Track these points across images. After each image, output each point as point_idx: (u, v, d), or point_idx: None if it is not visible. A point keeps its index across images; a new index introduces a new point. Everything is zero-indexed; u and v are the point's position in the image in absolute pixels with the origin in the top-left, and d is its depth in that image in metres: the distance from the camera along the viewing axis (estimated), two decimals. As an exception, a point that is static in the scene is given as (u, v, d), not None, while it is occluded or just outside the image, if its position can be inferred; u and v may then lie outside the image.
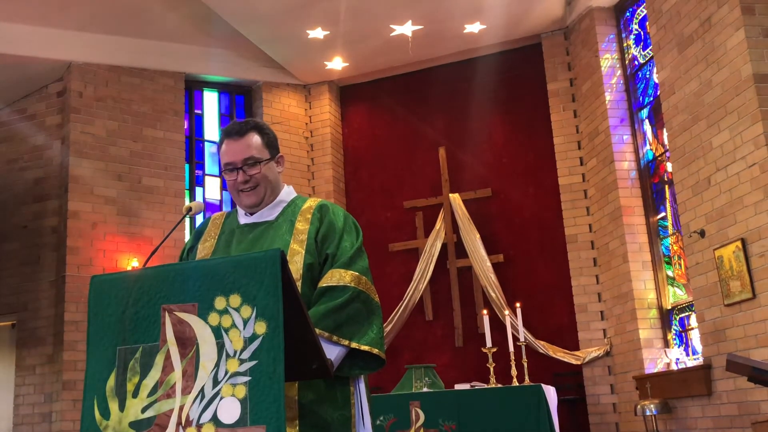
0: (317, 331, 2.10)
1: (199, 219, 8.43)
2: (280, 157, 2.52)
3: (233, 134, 2.43)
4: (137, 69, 8.21)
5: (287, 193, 2.53)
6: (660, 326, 6.93)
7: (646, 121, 7.36)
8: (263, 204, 2.47)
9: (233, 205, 9.63)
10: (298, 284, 2.23)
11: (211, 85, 8.95)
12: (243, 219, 2.50)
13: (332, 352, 2.14)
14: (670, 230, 6.94)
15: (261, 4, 7.35)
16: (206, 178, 8.72)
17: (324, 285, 2.24)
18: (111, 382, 1.88)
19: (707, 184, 5.85)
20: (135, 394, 1.84)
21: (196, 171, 8.64)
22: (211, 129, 8.93)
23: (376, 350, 2.20)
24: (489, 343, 6.41)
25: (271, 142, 2.49)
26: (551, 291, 7.88)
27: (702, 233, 5.88)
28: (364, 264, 2.33)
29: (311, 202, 2.47)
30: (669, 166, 6.77)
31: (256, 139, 2.44)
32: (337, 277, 2.25)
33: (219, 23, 7.74)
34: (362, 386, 2.29)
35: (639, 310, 6.92)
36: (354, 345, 2.17)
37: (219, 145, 2.51)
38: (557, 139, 8.05)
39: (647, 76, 7.35)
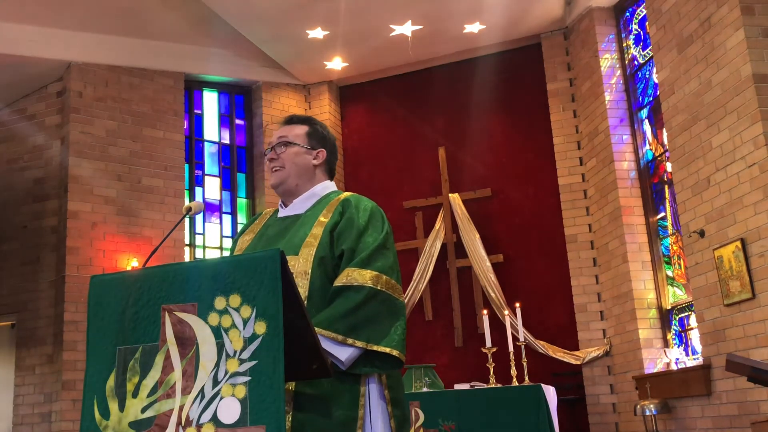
0: (330, 333, 2.07)
1: (199, 219, 8.45)
2: (320, 151, 2.51)
3: (283, 123, 2.57)
4: (137, 69, 8.21)
5: (324, 187, 2.50)
6: (660, 326, 6.93)
7: (646, 121, 7.36)
8: (287, 188, 2.47)
9: (233, 204, 9.57)
10: (309, 277, 2.21)
11: (211, 85, 8.95)
12: (280, 212, 2.52)
13: (344, 353, 2.10)
14: (670, 230, 6.94)
15: (261, 4, 7.36)
16: (206, 178, 8.72)
17: (339, 285, 2.17)
18: (111, 382, 1.88)
19: (707, 184, 5.85)
20: (135, 394, 1.85)
21: (196, 171, 8.64)
22: (211, 129, 8.93)
23: (396, 352, 2.13)
24: (489, 343, 6.41)
25: (315, 135, 2.52)
26: (551, 291, 7.88)
27: (701, 233, 5.88)
28: (387, 262, 2.23)
29: (341, 195, 2.43)
30: (669, 166, 6.77)
31: (300, 128, 2.53)
32: (352, 276, 2.17)
33: (219, 23, 7.74)
34: (374, 387, 2.21)
35: (639, 310, 6.93)
36: (372, 347, 2.11)
37: None
38: (557, 139, 8.06)
39: (647, 76, 7.36)
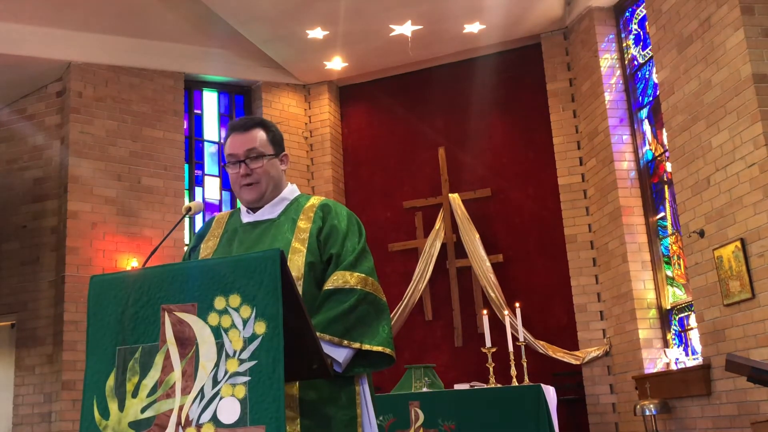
0: (327, 336, 2.12)
1: (199, 219, 8.43)
2: (284, 155, 2.53)
3: (238, 128, 2.45)
4: (137, 69, 8.21)
5: (290, 191, 2.53)
6: (659, 326, 6.93)
7: (646, 121, 7.36)
8: (264, 201, 2.45)
9: (234, 204, 9.55)
10: (300, 283, 2.24)
11: (211, 85, 8.95)
12: (245, 218, 2.49)
13: (341, 354, 2.16)
14: (670, 230, 6.94)
15: (261, 4, 7.35)
16: (206, 178, 8.72)
17: (330, 288, 2.23)
18: (110, 382, 1.88)
19: (707, 184, 5.85)
20: (134, 394, 1.85)
21: (196, 171, 8.64)
22: (211, 129, 8.93)
23: (389, 350, 2.22)
24: (488, 343, 6.41)
25: (275, 139, 2.50)
26: (551, 291, 7.88)
27: (701, 233, 5.88)
28: (370, 264, 2.32)
29: (314, 200, 2.47)
30: (668, 166, 6.77)
31: (261, 134, 2.45)
32: (342, 279, 2.24)
33: (219, 23, 7.74)
34: (365, 386, 2.29)
35: (638, 310, 6.93)
36: (366, 347, 2.18)
37: (225, 140, 2.51)
38: (557, 139, 8.06)
39: (647, 76, 7.36)
